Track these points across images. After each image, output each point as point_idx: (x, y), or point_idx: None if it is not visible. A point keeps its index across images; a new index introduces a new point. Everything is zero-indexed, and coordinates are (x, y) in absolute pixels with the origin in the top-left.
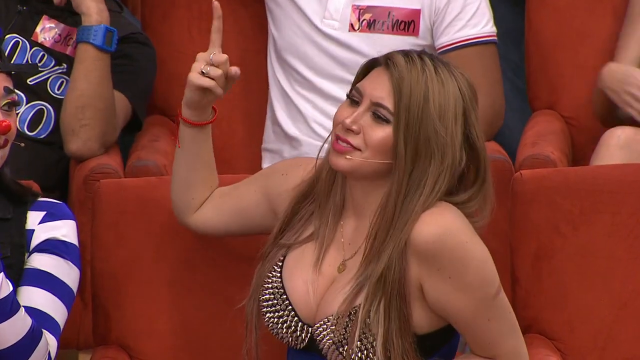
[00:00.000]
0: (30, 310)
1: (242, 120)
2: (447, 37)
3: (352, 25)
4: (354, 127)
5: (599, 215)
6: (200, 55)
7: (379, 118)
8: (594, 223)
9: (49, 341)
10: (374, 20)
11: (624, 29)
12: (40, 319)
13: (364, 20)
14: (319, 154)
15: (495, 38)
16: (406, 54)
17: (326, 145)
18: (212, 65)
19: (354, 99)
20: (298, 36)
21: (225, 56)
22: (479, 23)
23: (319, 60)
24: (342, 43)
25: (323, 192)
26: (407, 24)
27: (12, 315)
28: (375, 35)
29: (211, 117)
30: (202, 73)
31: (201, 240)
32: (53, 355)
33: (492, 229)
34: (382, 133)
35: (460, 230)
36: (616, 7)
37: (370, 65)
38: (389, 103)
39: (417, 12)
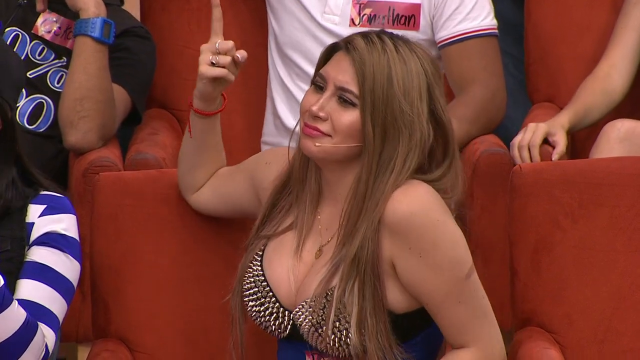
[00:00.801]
0: (27, 304)
1: (241, 113)
2: (447, 30)
3: (352, 20)
4: (321, 114)
5: (598, 208)
6: (205, 47)
7: (345, 102)
8: (593, 216)
9: (46, 334)
10: (375, 15)
11: (618, 22)
12: (37, 312)
13: (364, 15)
14: (289, 143)
15: (496, 31)
16: (365, 35)
17: (296, 136)
18: (220, 54)
19: (318, 85)
20: (299, 31)
21: (231, 42)
22: (479, 16)
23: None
24: (341, 37)
25: (298, 181)
26: (408, 18)
27: (4, 310)
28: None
29: (221, 105)
30: (212, 64)
31: (201, 232)
32: (51, 348)
33: (491, 222)
34: (349, 117)
35: (432, 208)
36: (615, 0)
37: (332, 50)
38: (353, 87)
39: (417, 7)
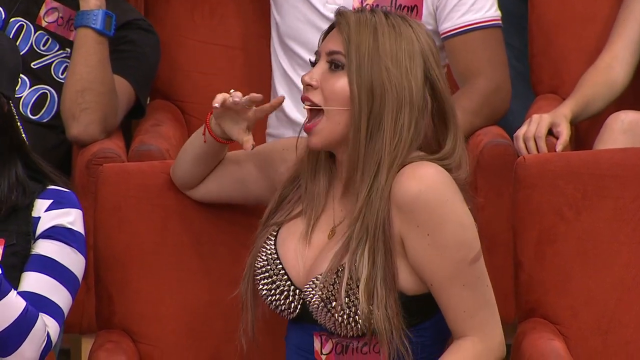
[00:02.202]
0: (30, 295)
1: None
2: (451, 22)
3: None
4: (313, 82)
5: (602, 199)
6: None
7: (334, 67)
8: (597, 207)
9: (49, 324)
10: (377, 5)
11: (620, 13)
12: (39, 303)
13: (367, 4)
14: (298, 137)
15: (500, 22)
16: (357, 10)
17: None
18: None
19: (314, 63)
20: (301, 21)
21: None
22: (483, 7)
23: None
24: None
25: (309, 175)
26: (410, 8)
27: (1, 298)
28: None
29: None
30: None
31: (205, 223)
32: (54, 339)
33: (495, 214)
34: (338, 82)
35: (441, 187)
36: None
37: (327, 32)
38: (340, 48)
39: None
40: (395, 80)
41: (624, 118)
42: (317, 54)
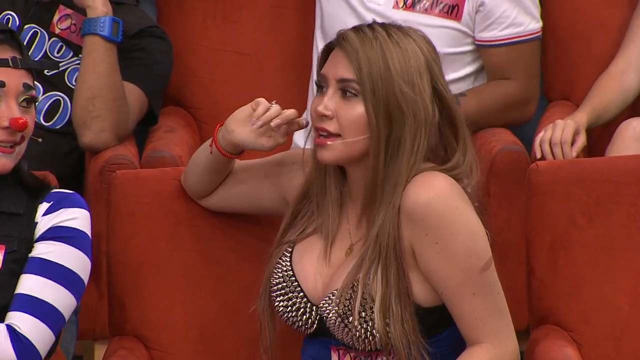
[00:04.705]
0: (20, 297)
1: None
2: (492, 33)
3: (396, 3)
4: (328, 112)
5: (615, 206)
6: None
7: (348, 94)
8: (610, 214)
9: (22, 324)
10: (419, 1)
11: (633, 19)
12: (27, 304)
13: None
14: (303, 150)
15: (540, 34)
16: (356, 28)
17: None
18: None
19: (321, 86)
20: (345, 10)
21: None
22: (525, 21)
23: None
24: (384, 18)
25: (318, 189)
26: (451, 7)
27: None
28: (418, 15)
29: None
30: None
31: (217, 230)
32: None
33: (507, 220)
34: (354, 111)
35: (451, 196)
36: None
37: (328, 50)
38: (351, 75)
39: None
40: (410, 102)
41: (636, 125)
42: (323, 77)
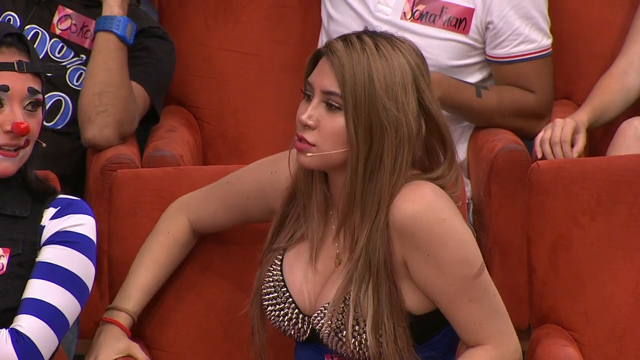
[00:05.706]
0: (31, 301)
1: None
2: (503, 50)
3: (404, 14)
4: (310, 122)
5: (617, 205)
6: None
7: (332, 107)
8: (612, 213)
9: (25, 324)
10: (426, 13)
11: (635, 19)
12: (37, 309)
13: (416, 10)
14: (289, 155)
15: (551, 50)
16: (344, 38)
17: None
18: None
19: (307, 94)
20: (353, 19)
21: None
22: (536, 38)
23: None
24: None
25: (304, 192)
26: (459, 21)
27: None
28: (425, 27)
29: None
30: None
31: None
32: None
33: (508, 220)
34: (335, 123)
35: (438, 207)
36: None
37: (316, 57)
38: (336, 89)
39: (470, 11)
40: (392, 118)
41: (638, 124)
42: (310, 85)
